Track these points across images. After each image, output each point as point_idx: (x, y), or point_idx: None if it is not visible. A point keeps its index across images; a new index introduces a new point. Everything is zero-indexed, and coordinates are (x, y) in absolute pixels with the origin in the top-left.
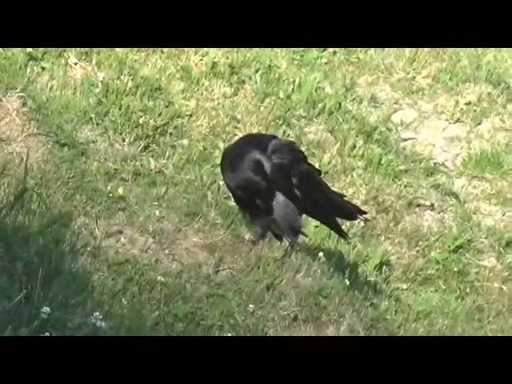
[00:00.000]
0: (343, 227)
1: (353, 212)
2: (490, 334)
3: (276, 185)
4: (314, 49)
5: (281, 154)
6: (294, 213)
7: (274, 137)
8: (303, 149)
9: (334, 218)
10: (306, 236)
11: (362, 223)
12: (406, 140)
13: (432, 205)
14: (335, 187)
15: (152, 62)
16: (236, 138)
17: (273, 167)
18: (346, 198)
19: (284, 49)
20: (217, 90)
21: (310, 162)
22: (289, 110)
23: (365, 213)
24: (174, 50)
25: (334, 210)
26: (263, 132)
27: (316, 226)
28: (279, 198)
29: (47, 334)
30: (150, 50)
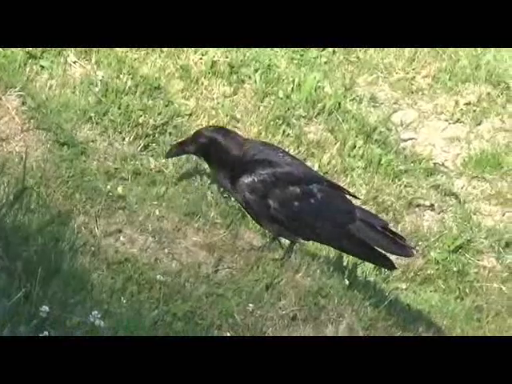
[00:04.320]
0: None
1: (391, 246)
2: (488, 334)
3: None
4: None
5: (258, 176)
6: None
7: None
8: (303, 149)
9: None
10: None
11: None
12: (405, 140)
13: (432, 205)
14: None
15: (151, 60)
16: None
17: (245, 187)
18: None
19: (283, 48)
20: (216, 90)
21: (337, 185)
22: (288, 109)
23: (410, 248)
24: (173, 49)
25: (347, 237)
26: (263, 132)
27: None
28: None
29: (46, 332)
30: (150, 49)
